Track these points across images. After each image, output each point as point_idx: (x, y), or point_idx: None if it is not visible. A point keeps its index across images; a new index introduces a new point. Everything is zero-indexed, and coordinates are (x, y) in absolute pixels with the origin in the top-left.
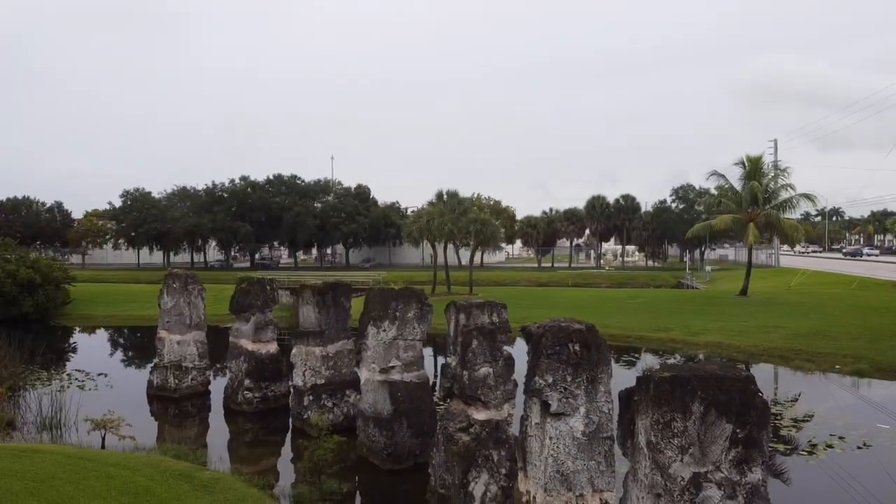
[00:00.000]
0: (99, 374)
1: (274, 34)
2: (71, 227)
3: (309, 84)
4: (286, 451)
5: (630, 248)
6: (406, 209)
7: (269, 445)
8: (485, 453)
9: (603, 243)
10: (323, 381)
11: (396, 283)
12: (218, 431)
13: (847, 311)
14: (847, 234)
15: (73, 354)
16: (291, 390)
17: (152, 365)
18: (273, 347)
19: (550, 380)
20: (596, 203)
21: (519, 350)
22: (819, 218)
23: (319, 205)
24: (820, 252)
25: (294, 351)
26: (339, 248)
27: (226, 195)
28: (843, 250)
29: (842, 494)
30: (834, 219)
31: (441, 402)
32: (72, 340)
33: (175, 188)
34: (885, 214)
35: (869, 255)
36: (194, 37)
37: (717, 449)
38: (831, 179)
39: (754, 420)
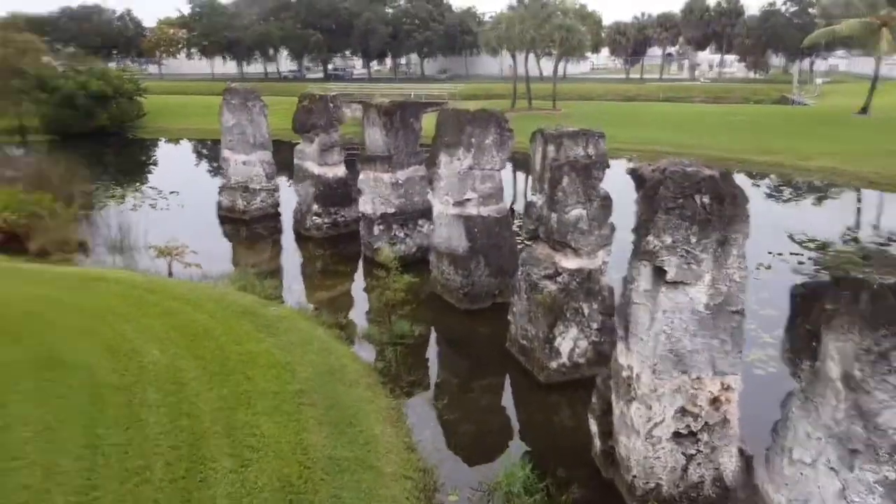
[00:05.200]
0: (171, 192)
1: None
2: (143, 36)
3: None
4: (358, 281)
5: (729, 58)
6: (483, 14)
7: (340, 276)
8: (574, 306)
9: (698, 52)
10: (393, 210)
11: (471, 99)
12: (288, 257)
13: None
14: None
15: (147, 169)
16: (361, 217)
17: (220, 186)
18: (341, 171)
19: (669, 241)
20: (694, 6)
21: (611, 180)
22: None
23: (391, 10)
24: None
25: (361, 177)
26: (414, 58)
27: (293, 0)
28: None
29: None
30: None
31: (520, 237)
32: (147, 154)
33: None
34: None
35: None
36: None
37: None
38: None
39: None
